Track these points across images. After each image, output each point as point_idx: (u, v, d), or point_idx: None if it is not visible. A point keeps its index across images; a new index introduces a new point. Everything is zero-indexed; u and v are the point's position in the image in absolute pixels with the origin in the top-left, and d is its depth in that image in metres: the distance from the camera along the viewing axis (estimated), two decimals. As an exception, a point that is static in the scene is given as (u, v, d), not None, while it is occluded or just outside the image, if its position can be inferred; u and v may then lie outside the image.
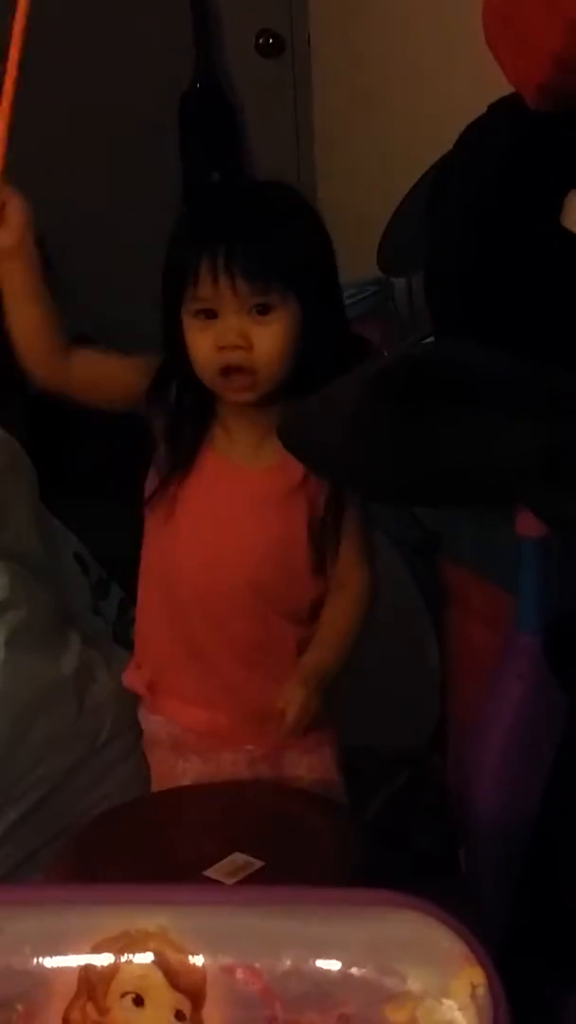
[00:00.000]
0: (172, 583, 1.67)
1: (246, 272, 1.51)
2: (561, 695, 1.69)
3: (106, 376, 1.64)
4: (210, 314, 1.54)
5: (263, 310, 1.53)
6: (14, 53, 1.51)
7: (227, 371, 1.55)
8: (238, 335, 1.53)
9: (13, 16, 1.51)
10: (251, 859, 1.48)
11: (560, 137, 1.50)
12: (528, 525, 1.66)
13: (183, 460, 1.63)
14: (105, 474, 2.62)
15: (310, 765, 1.72)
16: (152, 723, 1.75)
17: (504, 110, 1.57)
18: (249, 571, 1.62)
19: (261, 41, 3.20)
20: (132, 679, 1.76)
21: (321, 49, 3.13)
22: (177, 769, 1.71)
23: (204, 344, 1.55)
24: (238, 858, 1.48)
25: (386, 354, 1.93)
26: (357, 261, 2.64)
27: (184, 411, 1.63)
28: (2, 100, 1.52)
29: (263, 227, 1.55)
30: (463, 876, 1.82)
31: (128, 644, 2.02)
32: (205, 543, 1.63)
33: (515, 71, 1.43)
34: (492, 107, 1.63)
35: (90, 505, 2.40)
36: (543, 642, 1.70)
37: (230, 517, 1.63)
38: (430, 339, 1.97)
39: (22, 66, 1.50)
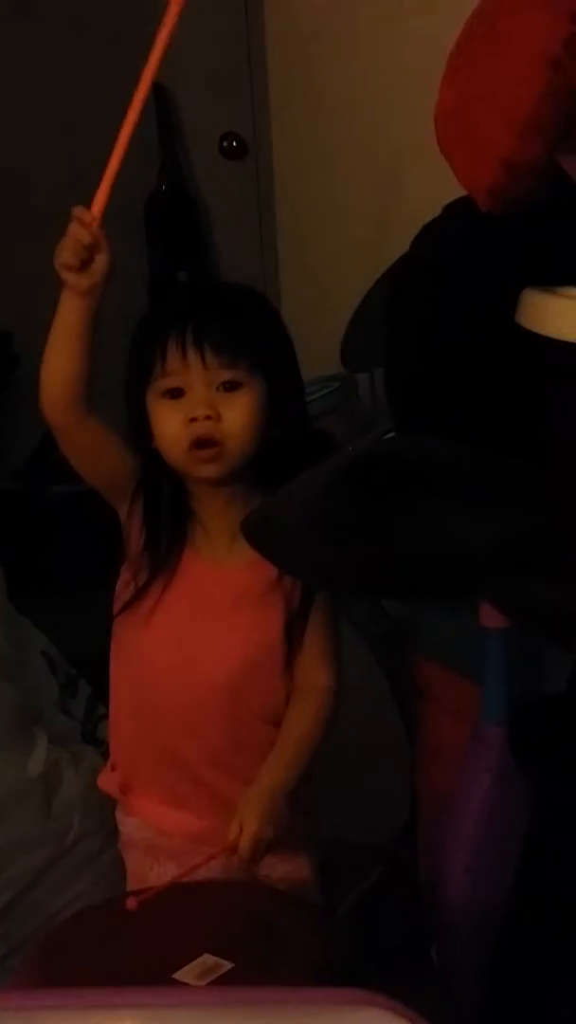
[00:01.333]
0: (146, 686, 1.66)
1: (215, 344, 1.54)
2: (528, 787, 1.69)
3: (108, 449, 1.62)
4: (177, 393, 1.56)
5: (231, 387, 1.56)
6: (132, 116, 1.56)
7: (196, 444, 1.56)
8: (206, 406, 1.55)
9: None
10: (221, 960, 1.46)
11: (513, 236, 1.53)
12: (491, 617, 1.67)
13: (164, 565, 1.63)
14: (73, 571, 2.63)
15: (286, 871, 1.70)
16: (127, 825, 1.73)
17: (459, 210, 1.60)
18: (225, 672, 1.61)
19: (225, 144, 3.26)
20: (106, 781, 1.75)
21: (283, 152, 3.19)
22: (152, 873, 1.70)
23: (173, 421, 1.56)
24: (207, 960, 1.46)
25: (349, 448, 1.95)
26: (320, 357, 2.68)
27: (160, 512, 1.63)
28: (112, 158, 1.57)
29: (228, 305, 1.59)
30: (436, 971, 1.81)
31: (97, 743, 2.01)
32: (182, 646, 1.63)
33: (467, 174, 1.46)
34: (447, 208, 1.67)
35: (58, 602, 2.40)
36: (507, 733, 1.70)
37: (207, 618, 1.63)
38: (392, 434, 1.99)
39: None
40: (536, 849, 1.68)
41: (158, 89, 3.26)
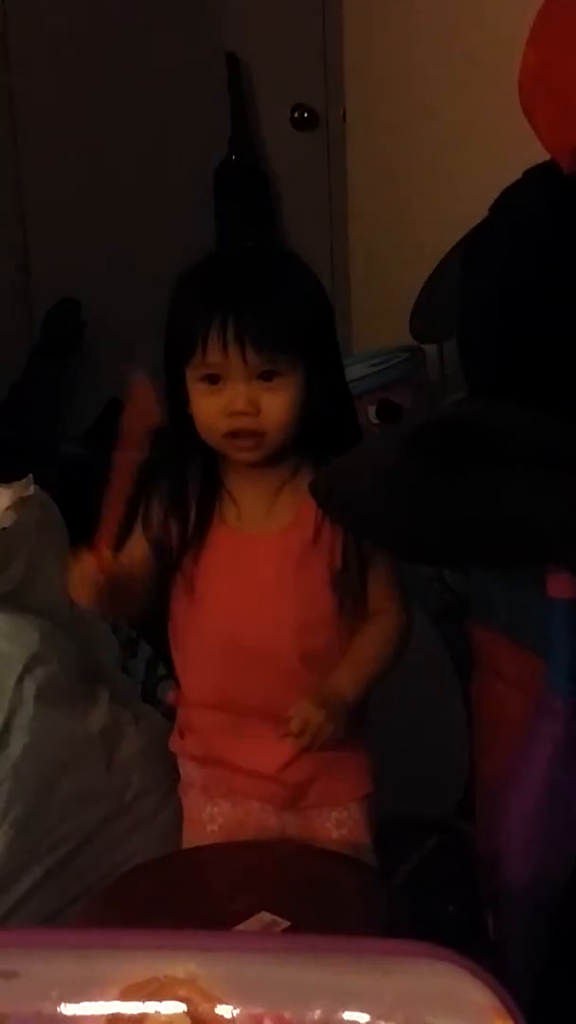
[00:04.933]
0: (208, 652, 1.66)
1: (255, 341, 1.52)
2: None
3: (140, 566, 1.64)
4: (215, 379, 1.55)
5: (270, 376, 1.55)
6: None
7: (234, 434, 1.57)
8: (246, 402, 1.54)
9: None
10: (277, 919, 1.46)
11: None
12: (559, 587, 1.65)
13: (193, 536, 1.63)
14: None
15: (339, 820, 1.70)
16: (185, 766, 1.75)
17: (538, 176, 1.59)
18: (294, 636, 1.62)
19: (296, 115, 3.25)
20: (175, 743, 1.77)
21: (356, 123, 3.17)
22: (205, 814, 1.71)
23: (211, 409, 1.56)
24: (264, 917, 1.47)
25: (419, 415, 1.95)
26: (389, 329, 2.68)
27: (187, 484, 1.63)
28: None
29: (271, 295, 1.56)
30: (491, 943, 1.80)
31: (157, 703, 2.02)
32: (232, 617, 1.63)
33: (552, 135, 1.45)
34: (527, 173, 1.65)
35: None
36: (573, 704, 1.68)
37: (251, 587, 1.63)
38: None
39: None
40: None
41: (230, 58, 3.26)
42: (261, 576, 1.63)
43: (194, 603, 1.65)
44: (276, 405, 1.55)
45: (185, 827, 1.75)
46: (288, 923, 1.45)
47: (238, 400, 1.54)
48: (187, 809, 1.75)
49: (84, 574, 1.53)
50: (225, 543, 1.63)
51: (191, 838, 1.74)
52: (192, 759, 1.73)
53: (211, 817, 1.71)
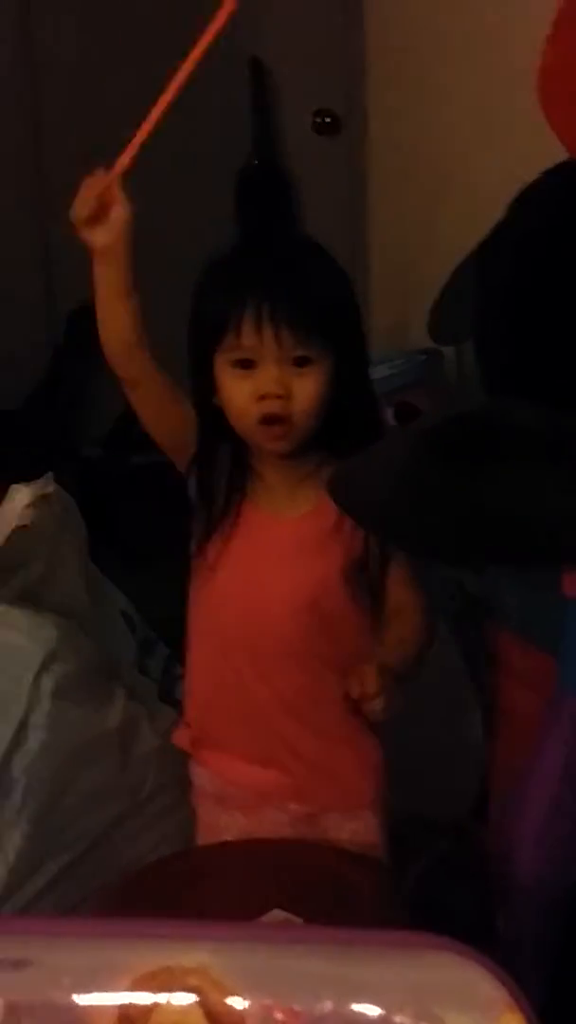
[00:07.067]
0: (218, 637, 1.67)
1: (291, 323, 1.53)
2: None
3: (172, 403, 1.65)
4: (247, 364, 1.56)
5: (302, 362, 1.56)
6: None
7: (265, 420, 1.57)
8: (279, 385, 1.55)
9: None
10: (291, 916, 1.47)
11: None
12: (574, 586, 1.66)
13: (221, 517, 1.64)
14: (155, 534, 2.66)
15: (353, 829, 1.71)
16: (200, 776, 1.75)
17: (557, 175, 1.59)
18: (291, 616, 1.62)
19: (318, 120, 3.26)
20: (179, 737, 1.77)
21: (376, 128, 3.18)
22: (221, 823, 1.72)
23: (243, 393, 1.57)
24: (278, 915, 1.47)
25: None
26: (408, 331, 2.68)
27: (217, 467, 1.65)
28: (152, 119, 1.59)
29: (305, 279, 1.58)
30: (501, 944, 1.80)
31: (173, 702, 2.02)
32: (248, 593, 1.64)
33: (568, 134, 1.45)
34: (546, 173, 1.66)
35: (139, 565, 2.43)
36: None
37: (269, 567, 1.64)
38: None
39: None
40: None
41: (253, 62, 3.26)
42: (279, 555, 1.64)
43: (213, 580, 1.65)
44: (306, 391, 1.56)
45: (200, 834, 1.76)
46: (302, 921, 1.46)
47: (270, 383, 1.55)
48: (201, 817, 1.76)
49: (87, 193, 1.56)
50: (250, 521, 1.64)
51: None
52: (205, 768, 1.74)
53: (226, 827, 1.71)
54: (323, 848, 1.67)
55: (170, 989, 1.03)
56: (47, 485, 1.96)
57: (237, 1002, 1.02)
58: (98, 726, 1.89)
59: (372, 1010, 1.01)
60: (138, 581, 2.32)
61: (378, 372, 2.38)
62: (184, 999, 1.03)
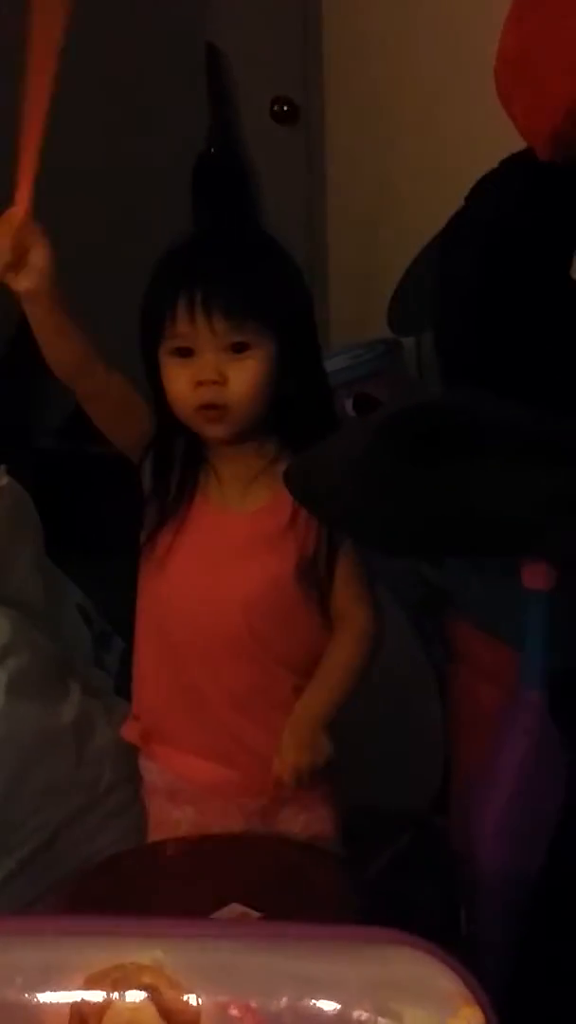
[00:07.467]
0: (167, 630, 1.66)
1: (223, 310, 1.53)
2: (565, 751, 1.67)
3: (131, 408, 1.63)
4: (186, 352, 1.56)
5: (239, 348, 1.55)
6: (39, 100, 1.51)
7: (203, 407, 1.57)
8: (214, 371, 1.55)
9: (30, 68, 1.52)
10: (248, 910, 1.45)
11: (571, 189, 1.51)
12: (534, 578, 1.65)
13: (172, 510, 1.63)
14: (110, 528, 2.63)
15: (306, 822, 1.70)
16: (149, 771, 1.74)
17: (516, 164, 1.59)
18: (242, 612, 1.61)
19: (276, 108, 3.24)
20: (128, 730, 1.76)
21: (335, 117, 3.16)
22: (172, 818, 1.70)
23: (181, 381, 1.57)
24: (235, 908, 1.46)
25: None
26: (367, 321, 2.66)
27: (170, 460, 1.64)
28: (27, 146, 1.53)
29: (239, 266, 1.57)
30: (464, 937, 1.79)
31: (130, 696, 2.00)
32: (198, 588, 1.63)
33: (527, 121, 1.44)
34: (504, 162, 1.65)
35: (94, 561, 2.40)
36: (548, 696, 1.68)
37: (221, 561, 1.63)
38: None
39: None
40: (573, 817, 1.66)
41: (210, 49, 3.24)
42: (231, 550, 1.63)
43: (163, 573, 1.64)
44: (243, 377, 1.55)
45: (152, 829, 1.74)
46: (260, 915, 1.44)
47: (205, 369, 1.55)
48: (152, 812, 1.75)
49: None
50: (202, 515, 1.64)
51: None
52: (155, 764, 1.72)
53: (177, 823, 1.70)
54: (280, 841, 1.67)
55: (124, 987, 1.01)
56: (0, 477, 1.94)
57: (192, 999, 1.01)
58: (53, 721, 1.86)
59: (329, 1005, 1.00)
60: (94, 574, 2.30)
61: (337, 363, 2.36)
62: (138, 996, 1.02)
